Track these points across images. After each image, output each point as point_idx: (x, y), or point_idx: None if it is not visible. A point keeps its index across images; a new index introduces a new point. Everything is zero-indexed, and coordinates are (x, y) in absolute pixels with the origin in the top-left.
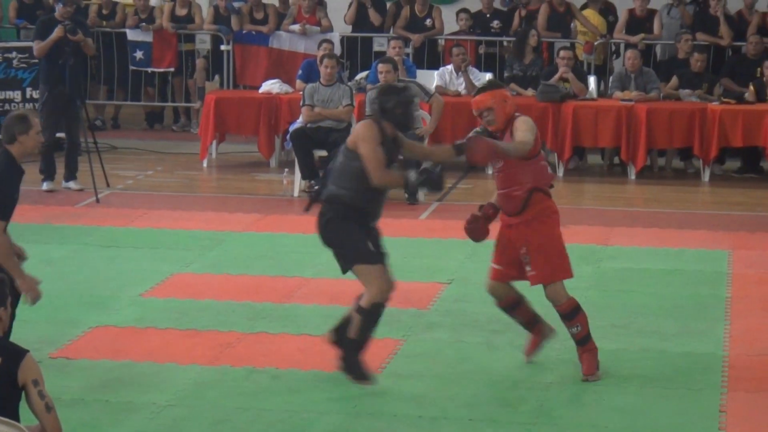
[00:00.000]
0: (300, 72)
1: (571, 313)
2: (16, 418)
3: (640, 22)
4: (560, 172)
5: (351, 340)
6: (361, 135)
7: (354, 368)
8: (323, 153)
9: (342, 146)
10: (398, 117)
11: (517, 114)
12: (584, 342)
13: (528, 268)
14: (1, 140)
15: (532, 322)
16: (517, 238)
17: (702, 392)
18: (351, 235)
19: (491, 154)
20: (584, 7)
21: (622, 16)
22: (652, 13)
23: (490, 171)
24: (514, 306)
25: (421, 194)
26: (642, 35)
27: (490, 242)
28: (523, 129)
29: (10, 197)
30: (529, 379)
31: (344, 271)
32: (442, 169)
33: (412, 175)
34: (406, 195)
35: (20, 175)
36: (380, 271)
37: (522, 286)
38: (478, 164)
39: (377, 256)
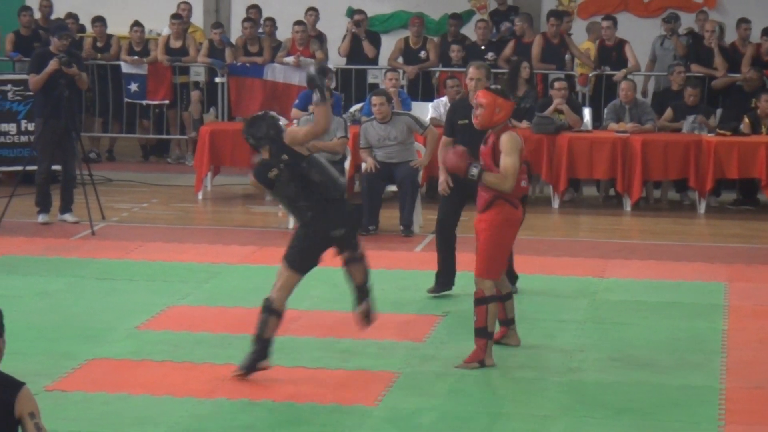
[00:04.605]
0: (297, 101)
1: (475, 301)
2: None
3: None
4: (555, 204)
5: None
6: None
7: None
8: None
9: None
10: (273, 137)
11: (509, 124)
12: (477, 334)
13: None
14: None
15: (504, 323)
16: (478, 233)
17: (699, 426)
18: (306, 243)
19: (458, 169)
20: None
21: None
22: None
23: None
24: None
25: (416, 226)
26: (625, 70)
27: None
28: (508, 149)
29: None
30: (524, 412)
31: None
32: (319, 70)
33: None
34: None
35: None
36: (294, 284)
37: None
38: (448, 169)
39: (306, 268)
